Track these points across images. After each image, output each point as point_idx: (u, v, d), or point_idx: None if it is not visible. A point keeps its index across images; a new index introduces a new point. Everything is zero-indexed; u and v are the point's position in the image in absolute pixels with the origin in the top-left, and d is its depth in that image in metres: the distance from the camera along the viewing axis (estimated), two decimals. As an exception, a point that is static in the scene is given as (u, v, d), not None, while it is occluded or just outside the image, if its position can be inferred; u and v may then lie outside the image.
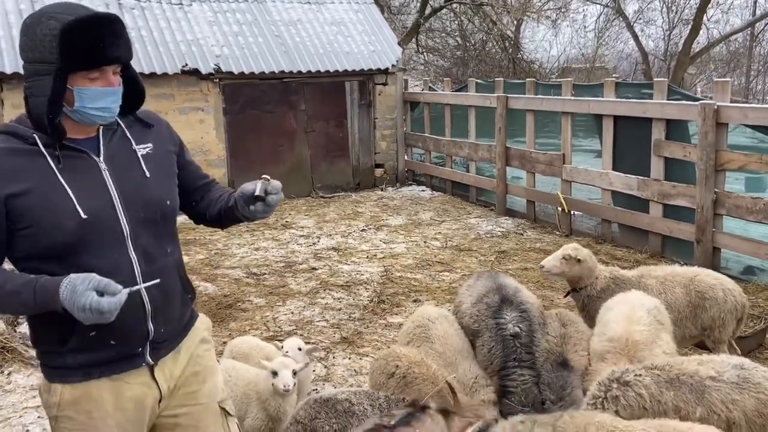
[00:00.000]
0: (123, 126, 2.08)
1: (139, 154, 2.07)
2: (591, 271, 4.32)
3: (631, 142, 7.80)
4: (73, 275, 1.80)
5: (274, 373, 3.35)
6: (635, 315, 3.35)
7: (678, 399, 2.62)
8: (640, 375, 2.72)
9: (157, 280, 1.96)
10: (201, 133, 10.69)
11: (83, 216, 1.88)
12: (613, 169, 7.92)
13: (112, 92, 1.93)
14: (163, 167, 2.13)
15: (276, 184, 2.10)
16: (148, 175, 2.05)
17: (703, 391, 2.57)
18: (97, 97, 1.89)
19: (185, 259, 7.99)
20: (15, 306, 1.91)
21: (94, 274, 1.80)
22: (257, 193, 2.07)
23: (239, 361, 3.78)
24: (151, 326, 2.03)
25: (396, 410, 2.46)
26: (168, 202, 2.09)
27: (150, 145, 2.11)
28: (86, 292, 1.76)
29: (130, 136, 2.08)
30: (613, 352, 3.22)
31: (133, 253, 1.98)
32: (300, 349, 3.79)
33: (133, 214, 1.99)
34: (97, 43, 1.83)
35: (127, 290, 1.82)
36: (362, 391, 3.18)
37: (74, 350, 1.95)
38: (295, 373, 3.33)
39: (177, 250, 2.18)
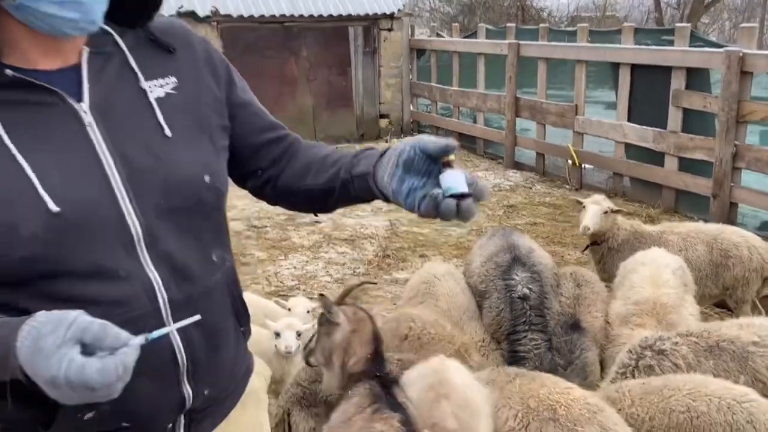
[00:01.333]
0: (124, 48, 1.27)
1: (152, 98, 1.26)
2: (614, 223, 4.20)
3: (647, 92, 7.46)
4: (40, 315, 1.00)
5: (277, 334, 3.17)
6: (662, 277, 3.15)
7: (719, 368, 2.43)
8: (677, 342, 2.52)
9: (197, 317, 1.16)
10: (199, 80, 10.32)
11: (54, 209, 1.10)
12: (628, 120, 7.62)
13: None
14: (199, 119, 1.32)
15: (483, 185, 1.20)
16: (170, 134, 1.24)
17: (746, 358, 2.38)
18: None
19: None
20: None
21: (77, 312, 1.01)
22: (462, 190, 1.15)
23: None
24: (187, 390, 1.27)
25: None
26: (208, 178, 1.28)
27: (173, 80, 1.30)
28: (61, 348, 0.96)
29: (135, 66, 1.26)
30: (638, 315, 3.02)
31: (151, 267, 1.20)
32: (308, 312, 3.58)
33: (147, 202, 1.20)
34: None
35: (140, 339, 1.02)
36: None
37: None
38: (299, 334, 3.14)
39: (228, 255, 1.39)
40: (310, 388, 2.79)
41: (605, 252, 4.20)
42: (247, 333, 1.50)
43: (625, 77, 7.58)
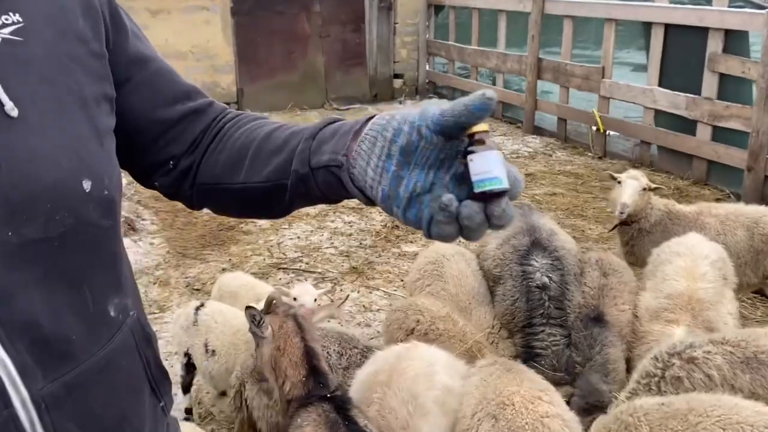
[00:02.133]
0: None
1: None
2: (647, 202, 3.81)
3: (681, 55, 6.95)
4: None
5: (294, 299, 2.89)
6: (699, 270, 2.80)
7: (755, 384, 2.11)
8: (710, 351, 2.18)
9: None
10: (207, 35, 9.89)
11: None
12: (659, 85, 7.11)
13: None
14: (66, 86, 0.85)
15: (519, 175, 0.78)
16: (15, 112, 0.77)
17: None
18: None
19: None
20: None
21: None
22: (502, 186, 0.74)
23: (227, 301, 3.30)
24: None
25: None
26: (88, 184, 0.83)
27: (14, 18, 0.82)
28: None
29: None
30: (671, 310, 2.68)
31: None
32: (315, 301, 3.22)
33: None
34: None
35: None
36: (336, 333, 2.76)
37: None
38: (315, 301, 2.94)
39: (130, 301, 0.97)
40: None
41: (635, 233, 3.83)
42: (168, 406, 1.06)
43: (657, 38, 7.04)
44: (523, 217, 3.42)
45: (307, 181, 0.91)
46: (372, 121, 0.85)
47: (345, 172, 0.85)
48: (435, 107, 0.78)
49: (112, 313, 0.89)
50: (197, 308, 3.08)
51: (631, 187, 3.76)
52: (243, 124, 1.04)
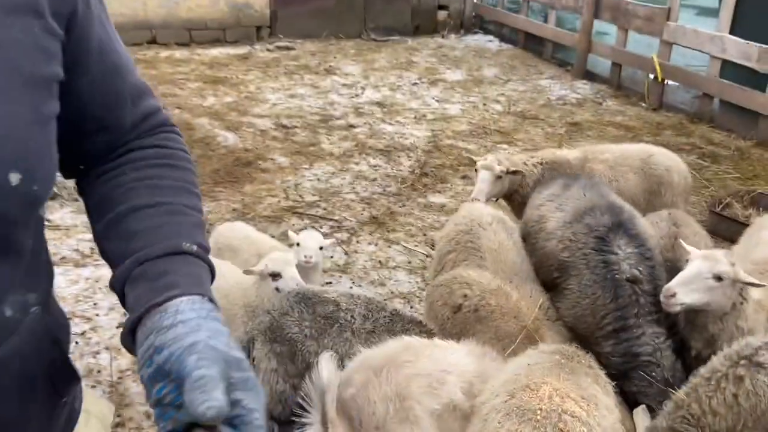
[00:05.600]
0: None
1: None
2: (513, 183, 3.63)
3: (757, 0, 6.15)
4: None
5: (275, 276, 2.53)
6: None
7: None
8: None
9: None
10: (241, -47, 9.30)
11: None
12: (730, 32, 6.35)
13: None
14: (9, 63, 0.77)
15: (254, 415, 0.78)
16: None
17: None
18: None
19: (211, 101, 7.20)
20: None
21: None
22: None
23: (225, 255, 2.97)
24: None
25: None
26: (16, 178, 0.76)
27: None
28: None
29: None
30: (755, 275, 2.36)
31: None
32: (321, 248, 2.94)
33: None
34: None
35: None
36: (364, 296, 2.42)
37: None
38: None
39: (37, 296, 0.91)
40: (279, 320, 2.29)
41: (519, 200, 3.57)
42: (76, 401, 1.04)
43: (734, -22, 6.24)
44: (595, 189, 2.83)
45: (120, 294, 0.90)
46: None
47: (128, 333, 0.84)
48: (196, 398, 0.74)
49: (7, 313, 0.83)
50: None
51: (482, 179, 3.52)
52: (141, 168, 0.97)
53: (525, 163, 3.66)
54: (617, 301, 2.42)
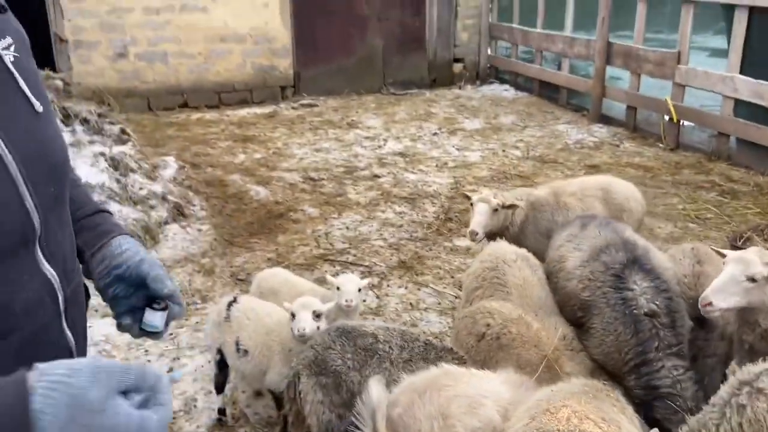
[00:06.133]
0: None
1: (8, 62, 1.09)
2: (507, 218, 3.80)
3: (766, 40, 6.35)
4: (51, 368, 0.81)
5: (293, 315, 2.69)
6: None
7: None
8: None
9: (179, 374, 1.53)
10: (266, 18, 9.83)
11: None
12: (740, 72, 6.55)
13: None
14: (43, 91, 1.18)
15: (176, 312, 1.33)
16: (41, 109, 1.12)
17: None
18: None
19: (241, 158, 7.49)
20: None
21: (96, 358, 1.23)
22: (158, 330, 1.31)
23: (268, 298, 3.15)
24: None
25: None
26: (69, 158, 1.26)
27: (9, 41, 1.11)
28: (109, 400, 0.81)
29: None
30: None
31: (47, 266, 1.12)
32: (360, 290, 3.01)
33: (42, 192, 1.09)
34: None
35: (169, 377, 0.95)
36: (398, 329, 2.57)
37: None
38: (318, 316, 2.66)
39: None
40: (323, 354, 2.44)
41: (509, 239, 3.61)
42: None
43: (740, 22, 6.48)
44: (611, 228, 2.95)
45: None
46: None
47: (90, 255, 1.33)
48: (155, 274, 1.29)
49: (73, 242, 1.28)
50: (230, 303, 2.94)
51: (479, 212, 3.66)
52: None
53: (518, 199, 3.86)
54: (638, 336, 2.50)
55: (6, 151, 1.02)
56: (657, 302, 2.53)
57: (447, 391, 1.89)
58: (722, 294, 2.39)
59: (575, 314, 2.77)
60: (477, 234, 3.65)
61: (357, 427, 1.77)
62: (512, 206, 3.75)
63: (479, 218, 3.66)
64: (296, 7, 9.94)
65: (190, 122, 8.90)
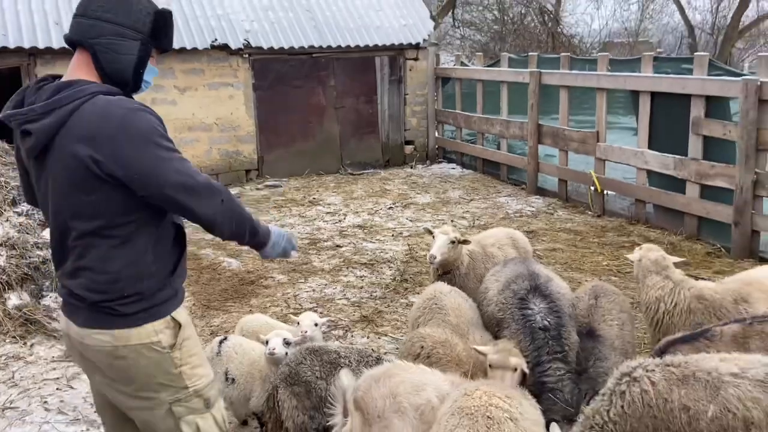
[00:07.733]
0: None
1: None
2: (460, 254, 4.43)
3: (668, 119, 7.48)
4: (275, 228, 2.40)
5: (266, 343, 3.30)
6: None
7: (687, 398, 2.47)
8: (652, 371, 2.58)
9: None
10: (231, 108, 10.69)
11: None
12: (650, 147, 7.63)
13: (154, 71, 2.29)
14: None
15: None
16: None
17: (718, 388, 2.41)
18: (152, 71, 2.25)
19: (211, 236, 8.04)
20: (250, 226, 2.25)
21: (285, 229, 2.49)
22: None
23: (251, 338, 3.76)
24: None
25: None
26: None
27: None
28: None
29: None
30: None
31: None
32: (317, 325, 3.69)
33: None
34: (171, 32, 2.26)
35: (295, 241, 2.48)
36: (356, 348, 3.24)
37: (178, 276, 2.24)
38: (288, 343, 3.28)
39: None
40: (296, 368, 3.05)
41: (456, 280, 4.36)
42: None
43: (645, 105, 7.61)
44: (523, 264, 3.82)
45: None
46: None
47: None
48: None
49: None
50: (221, 342, 3.54)
51: (440, 240, 4.30)
52: None
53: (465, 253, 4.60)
54: (534, 344, 3.30)
55: None
56: (549, 320, 3.34)
57: (396, 378, 2.53)
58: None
59: (494, 328, 3.58)
60: (435, 258, 4.26)
61: (332, 404, 2.40)
62: (465, 241, 4.46)
63: (439, 246, 4.28)
64: (259, 99, 10.87)
65: (162, 204, 9.47)
